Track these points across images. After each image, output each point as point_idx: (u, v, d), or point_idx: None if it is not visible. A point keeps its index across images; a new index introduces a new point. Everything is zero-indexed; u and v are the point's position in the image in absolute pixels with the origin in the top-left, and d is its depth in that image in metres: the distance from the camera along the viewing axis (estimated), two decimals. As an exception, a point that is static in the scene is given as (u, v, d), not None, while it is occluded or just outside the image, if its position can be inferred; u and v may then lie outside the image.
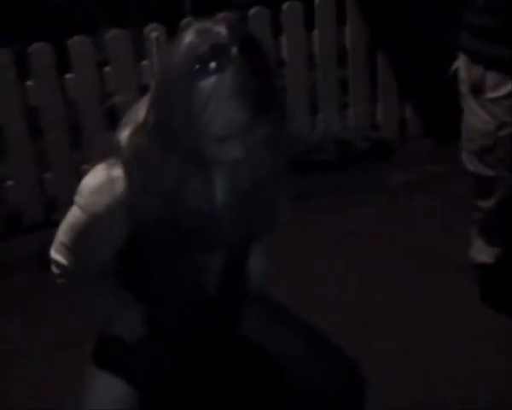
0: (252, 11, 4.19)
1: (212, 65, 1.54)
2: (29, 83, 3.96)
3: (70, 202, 1.81)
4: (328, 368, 1.97)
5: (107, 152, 1.74)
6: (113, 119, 3.81)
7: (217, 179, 1.75)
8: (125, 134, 1.72)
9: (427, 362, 2.91)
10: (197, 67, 1.56)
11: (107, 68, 4.07)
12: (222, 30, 1.58)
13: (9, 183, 4.05)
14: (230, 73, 1.54)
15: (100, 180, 1.71)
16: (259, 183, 1.78)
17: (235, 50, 1.56)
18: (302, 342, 1.99)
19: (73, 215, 1.78)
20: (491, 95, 2.78)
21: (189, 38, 1.60)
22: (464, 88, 2.89)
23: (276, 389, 1.99)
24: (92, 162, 1.76)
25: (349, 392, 1.98)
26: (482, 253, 3.08)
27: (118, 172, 1.70)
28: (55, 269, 1.87)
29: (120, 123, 1.78)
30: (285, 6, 4.30)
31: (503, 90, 2.75)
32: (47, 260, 1.90)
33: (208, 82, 1.55)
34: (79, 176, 3.88)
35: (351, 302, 3.25)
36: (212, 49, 1.56)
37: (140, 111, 1.73)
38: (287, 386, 1.97)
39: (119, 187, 1.69)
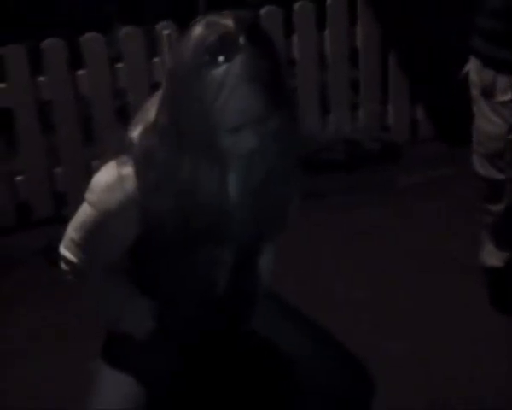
0: (264, 10, 4.20)
1: (222, 54, 1.57)
2: (41, 78, 3.98)
3: (80, 198, 1.81)
4: (334, 368, 1.97)
5: (119, 150, 1.75)
6: (124, 115, 3.83)
7: (230, 175, 1.75)
8: (135, 134, 1.73)
9: (432, 363, 2.92)
10: (206, 57, 1.58)
11: (120, 65, 4.09)
12: (229, 22, 1.61)
13: (20, 177, 4.07)
14: (240, 61, 1.57)
15: (111, 178, 1.72)
16: (271, 179, 1.78)
17: (242, 39, 1.58)
18: (309, 341, 2.00)
19: (84, 212, 1.79)
20: (501, 98, 2.77)
21: (197, 31, 1.63)
22: (475, 91, 2.89)
23: (284, 388, 2.00)
24: (103, 159, 1.77)
25: (356, 392, 1.99)
26: (492, 256, 3.08)
27: (129, 170, 1.70)
28: (63, 266, 1.88)
29: (131, 122, 1.79)
30: (297, 6, 4.30)
31: (514, 94, 2.76)
32: (54, 256, 1.91)
33: (218, 71, 1.57)
34: (90, 172, 3.90)
35: (358, 302, 3.26)
36: (221, 39, 1.58)
37: (150, 111, 1.74)
38: (294, 385, 1.97)
39: (131, 185, 1.70)
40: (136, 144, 1.72)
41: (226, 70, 1.56)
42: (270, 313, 2.04)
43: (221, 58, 1.57)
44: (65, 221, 1.88)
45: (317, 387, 1.96)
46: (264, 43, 1.64)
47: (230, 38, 1.58)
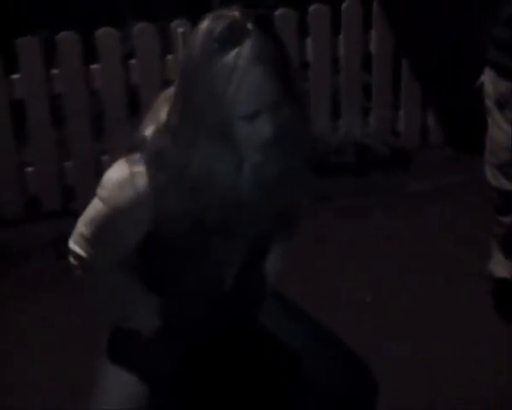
0: (278, 12, 4.20)
1: (231, 40, 1.60)
2: (55, 71, 3.99)
3: (88, 192, 1.82)
4: (336, 368, 1.98)
5: (131, 147, 1.76)
6: (135, 111, 3.84)
7: (244, 169, 1.74)
8: (148, 133, 1.74)
9: (433, 363, 2.95)
10: (216, 45, 1.61)
11: (133, 61, 4.10)
12: (236, 12, 1.65)
13: (30, 169, 4.09)
14: (249, 44, 1.60)
15: (123, 175, 1.72)
16: (284, 176, 1.78)
17: (250, 26, 1.62)
18: (312, 341, 2.00)
19: (94, 207, 1.80)
20: None
21: (205, 24, 1.66)
22: (490, 102, 2.88)
23: (286, 387, 2.00)
24: (113, 154, 1.78)
25: (358, 392, 1.99)
26: (500, 267, 3.08)
27: (141, 169, 1.71)
28: (72, 260, 1.88)
29: (142, 120, 1.80)
30: (312, 8, 4.30)
31: (529, 105, 2.75)
32: (62, 249, 1.91)
33: (229, 56, 1.60)
34: (99, 166, 3.90)
35: (361, 303, 3.28)
36: (229, 27, 1.62)
37: (161, 111, 1.75)
38: (297, 385, 1.98)
39: (142, 184, 1.71)
40: (148, 144, 1.73)
41: (237, 54, 1.59)
42: (274, 312, 2.04)
43: (231, 44, 1.60)
44: (73, 215, 1.88)
45: (319, 386, 1.96)
46: (272, 30, 1.68)
47: (238, 26, 1.62)
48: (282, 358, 1.99)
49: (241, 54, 1.59)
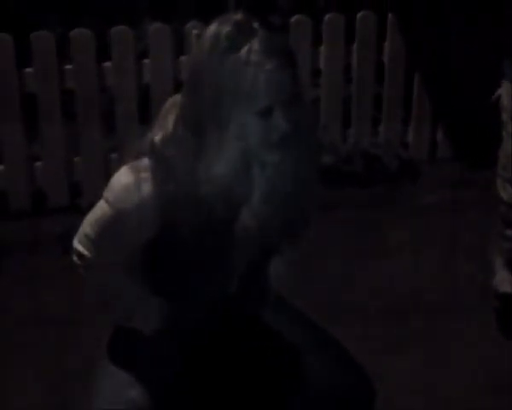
0: (293, 19, 4.21)
1: (239, 38, 1.64)
2: (68, 66, 4.00)
3: (95, 189, 1.82)
4: (336, 368, 1.98)
5: (139, 153, 1.77)
6: (146, 111, 3.85)
7: (254, 172, 1.73)
8: (156, 139, 1.75)
9: (433, 363, 2.97)
10: (225, 44, 1.64)
11: (146, 60, 4.10)
12: (240, 15, 1.69)
13: (38, 163, 4.10)
14: (259, 40, 1.64)
15: (130, 180, 1.74)
16: (294, 178, 1.78)
17: (256, 25, 1.67)
18: (312, 341, 2.01)
19: (100, 209, 1.81)
20: None
21: (212, 27, 1.69)
22: (506, 115, 2.88)
23: (287, 387, 2.00)
24: (122, 152, 1.78)
25: (357, 393, 1.99)
26: (505, 282, 3.07)
27: (148, 175, 1.73)
28: (76, 259, 1.89)
29: (152, 124, 1.81)
30: (327, 17, 4.31)
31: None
32: (67, 245, 1.92)
33: (241, 53, 1.63)
34: (107, 164, 3.89)
35: (365, 310, 3.29)
36: (236, 26, 1.66)
37: (169, 117, 1.77)
38: (297, 385, 1.97)
39: (148, 190, 1.72)
40: (156, 150, 1.74)
41: (248, 49, 1.63)
42: (275, 313, 2.04)
43: (240, 41, 1.63)
44: (79, 211, 1.88)
45: (319, 386, 1.96)
46: (276, 31, 1.71)
47: (245, 25, 1.66)
48: (283, 358, 2.00)
49: (253, 48, 1.63)
